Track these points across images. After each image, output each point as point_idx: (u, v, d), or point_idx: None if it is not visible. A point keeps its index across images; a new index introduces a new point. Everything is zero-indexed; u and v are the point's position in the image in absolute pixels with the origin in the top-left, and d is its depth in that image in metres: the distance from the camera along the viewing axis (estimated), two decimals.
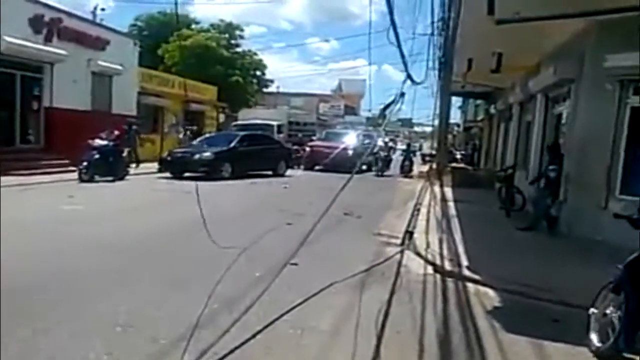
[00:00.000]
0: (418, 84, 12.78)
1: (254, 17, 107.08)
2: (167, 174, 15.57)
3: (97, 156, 13.22)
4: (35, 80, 15.31)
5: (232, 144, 16.48)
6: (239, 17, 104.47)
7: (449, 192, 14.85)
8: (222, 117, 32.73)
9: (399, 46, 8.64)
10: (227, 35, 37.00)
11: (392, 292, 5.19)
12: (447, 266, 6.22)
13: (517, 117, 14.59)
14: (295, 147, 22.14)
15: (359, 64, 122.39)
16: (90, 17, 24.70)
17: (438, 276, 5.93)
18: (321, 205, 4.99)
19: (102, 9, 29.03)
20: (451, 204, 12.06)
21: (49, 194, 10.93)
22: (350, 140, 22.13)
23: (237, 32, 37.81)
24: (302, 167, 21.40)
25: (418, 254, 6.89)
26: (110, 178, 13.55)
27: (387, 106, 10.24)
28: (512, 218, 10.19)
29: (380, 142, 22.15)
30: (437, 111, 18.80)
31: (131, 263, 5.75)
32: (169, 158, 15.76)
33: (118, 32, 20.10)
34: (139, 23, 37.58)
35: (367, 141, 21.63)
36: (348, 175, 5.30)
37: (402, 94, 8.72)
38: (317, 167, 20.79)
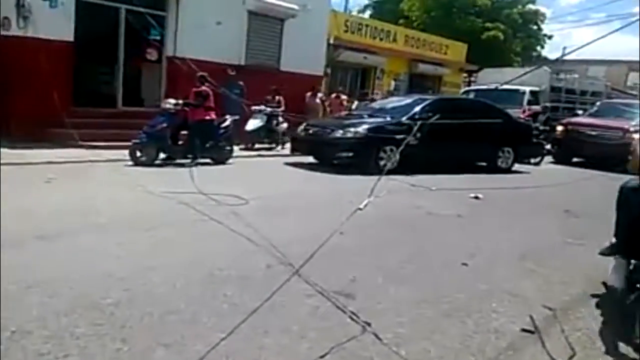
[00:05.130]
0: None
1: None
2: (310, 158, 9.95)
3: (164, 125, 8.38)
4: (152, 18, 11.27)
5: (409, 115, 9.59)
6: None
7: None
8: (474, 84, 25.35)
9: None
10: None
11: None
12: None
13: None
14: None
15: None
16: None
17: None
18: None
19: None
20: None
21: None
22: None
23: None
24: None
25: None
26: (187, 161, 8.61)
27: None
28: None
29: None
30: None
31: None
32: (302, 134, 9.94)
33: None
34: None
35: None
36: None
37: None
38: (575, 159, 12.18)
